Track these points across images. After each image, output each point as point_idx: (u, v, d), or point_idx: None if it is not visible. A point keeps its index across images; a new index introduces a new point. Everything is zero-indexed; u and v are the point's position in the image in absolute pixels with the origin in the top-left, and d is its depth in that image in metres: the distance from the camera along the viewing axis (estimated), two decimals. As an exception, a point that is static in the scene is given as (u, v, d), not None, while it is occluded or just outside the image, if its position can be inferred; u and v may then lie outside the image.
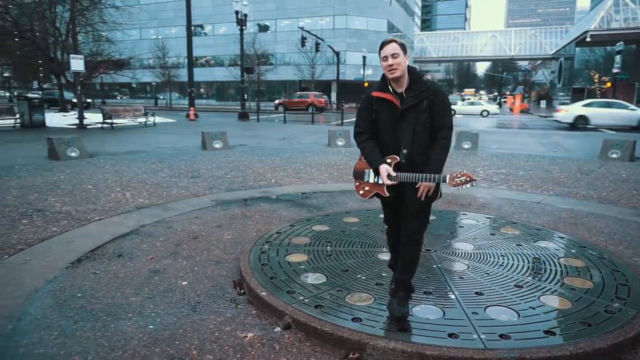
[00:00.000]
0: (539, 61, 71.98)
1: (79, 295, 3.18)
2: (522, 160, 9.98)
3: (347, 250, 3.87)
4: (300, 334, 2.67)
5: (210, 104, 54.10)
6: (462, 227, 4.64)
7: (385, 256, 3.76)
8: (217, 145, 11.96)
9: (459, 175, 2.56)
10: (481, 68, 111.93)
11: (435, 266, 3.51)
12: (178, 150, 11.52)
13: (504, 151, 11.83)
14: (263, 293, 3.01)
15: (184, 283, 3.41)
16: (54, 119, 20.14)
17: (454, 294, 3.01)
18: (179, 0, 49.76)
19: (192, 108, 24.09)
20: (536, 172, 8.47)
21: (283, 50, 52.12)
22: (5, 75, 57.28)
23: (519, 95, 45.02)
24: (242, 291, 3.28)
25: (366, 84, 45.36)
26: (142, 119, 19.71)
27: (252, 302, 3.08)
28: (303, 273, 3.38)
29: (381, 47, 2.58)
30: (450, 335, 2.49)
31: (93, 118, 19.93)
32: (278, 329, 2.73)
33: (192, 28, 55.61)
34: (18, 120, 16.85)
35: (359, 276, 3.32)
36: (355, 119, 2.82)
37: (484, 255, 3.77)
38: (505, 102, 54.01)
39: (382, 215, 3.04)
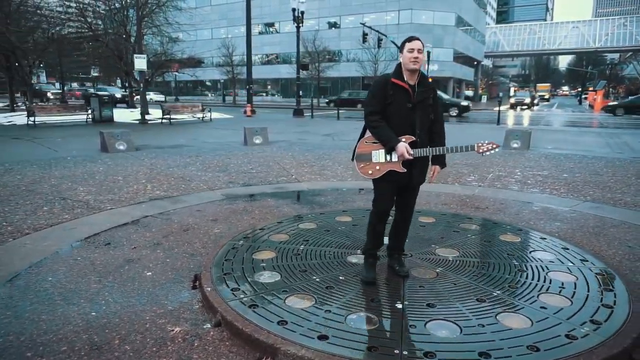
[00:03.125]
0: (629, 53, 65.13)
1: (50, 279, 3.38)
2: (573, 162, 9.09)
3: (318, 250, 3.75)
4: (226, 332, 2.62)
5: (275, 101, 55.40)
6: (458, 231, 4.30)
7: (355, 259, 3.61)
8: (257, 141, 12.19)
9: (485, 144, 2.99)
10: (563, 62, 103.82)
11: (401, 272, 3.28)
12: (220, 145, 11.91)
13: (559, 151, 10.85)
14: (208, 288, 3.01)
15: (149, 274, 3.50)
16: (123, 114, 21.77)
17: (402, 303, 2.79)
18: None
19: (249, 105, 24.82)
20: (583, 175, 7.66)
21: (347, 47, 52.01)
22: (94, 74, 62.79)
23: (600, 91, 41.02)
24: (198, 284, 3.29)
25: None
26: (200, 115, 20.69)
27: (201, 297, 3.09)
28: (260, 271, 3.33)
29: (409, 40, 2.98)
30: (370, 348, 2.31)
31: (157, 114, 21.24)
32: (208, 325, 2.71)
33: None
34: (90, 116, 18.41)
35: (314, 277, 3.20)
36: (367, 100, 3.10)
37: (463, 264, 3.46)
38: (585, 98, 49.56)
39: None
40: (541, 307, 2.74)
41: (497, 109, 21.95)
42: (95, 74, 58.67)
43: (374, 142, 3.05)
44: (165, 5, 20.41)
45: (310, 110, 25.76)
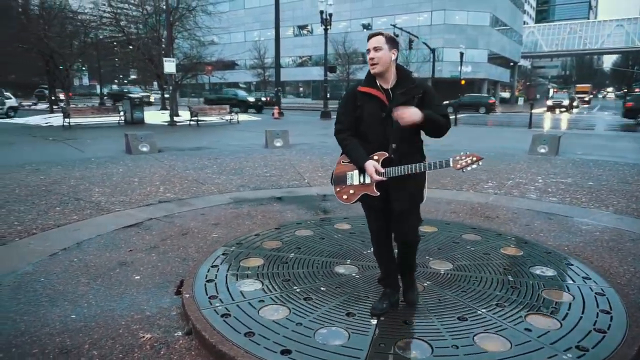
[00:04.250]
0: (680, 52, 61.49)
1: (42, 279, 3.47)
2: (602, 169, 8.61)
3: (307, 259, 3.69)
4: (195, 341, 2.60)
5: (306, 103, 55.58)
6: (457, 242, 4.13)
7: (342, 269, 3.52)
8: (278, 144, 12.24)
9: (463, 157, 2.46)
10: (608, 62, 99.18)
11: (385, 285, 3.17)
12: (241, 148, 12.04)
13: (588, 157, 10.31)
14: (186, 295, 3.01)
15: (137, 277, 3.54)
16: (154, 116, 22.41)
17: (378, 319, 2.69)
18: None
19: (276, 107, 25.02)
20: (610, 184, 7.24)
21: (379, 49, 51.53)
22: (133, 77, 65.06)
23: (645, 93, 38.78)
24: (181, 290, 3.30)
25: (463, 82, 43.01)
26: (228, 117, 21.02)
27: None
28: (243, 279, 3.30)
29: (367, 40, 2.56)
30: (332, 365, 2.23)
31: (186, 116, 21.72)
32: (179, 333, 2.70)
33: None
34: (122, 118, 19.05)
35: (294, 287, 3.14)
36: (336, 116, 2.74)
37: (453, 278, 3.31)
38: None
39: None
40: (525, 329, 2.57)
41: (531, 111, 21.28)
42: (134, 77, 60.75)
43: (349, 162, 2.66)
44: (195, 10, 20.91)
45: (337, 113, 25.64)
